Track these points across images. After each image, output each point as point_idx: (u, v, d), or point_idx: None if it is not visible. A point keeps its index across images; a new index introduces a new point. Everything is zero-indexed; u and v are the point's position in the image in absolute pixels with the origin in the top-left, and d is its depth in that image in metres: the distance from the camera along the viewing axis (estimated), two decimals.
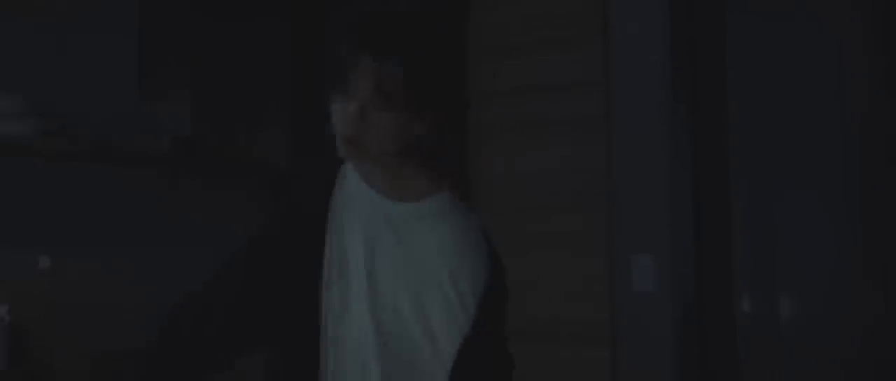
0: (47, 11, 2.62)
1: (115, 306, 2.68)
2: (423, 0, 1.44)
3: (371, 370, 1.37)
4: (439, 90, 1.38)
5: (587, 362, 2.84)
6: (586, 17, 2.91)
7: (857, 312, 2.72)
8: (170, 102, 2.93)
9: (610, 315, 2.83)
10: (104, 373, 2.65)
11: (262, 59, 3.22)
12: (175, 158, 2.82)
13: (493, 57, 3.06)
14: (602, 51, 2.88)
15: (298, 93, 3.40)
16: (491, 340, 1.44)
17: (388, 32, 1.35)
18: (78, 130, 2.46)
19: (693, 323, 2.80)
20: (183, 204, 2.93)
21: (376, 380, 1.36)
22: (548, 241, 2.93)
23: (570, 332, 2.87)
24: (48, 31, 2.61)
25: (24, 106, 2.39)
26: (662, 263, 2.78)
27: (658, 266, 2.78)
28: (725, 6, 2.87)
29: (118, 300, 2.69)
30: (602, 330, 2.84)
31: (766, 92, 2.86)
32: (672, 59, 2.82)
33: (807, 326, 2.81)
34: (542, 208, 2.95)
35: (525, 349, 2.85)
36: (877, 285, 2.68)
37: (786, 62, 2.86)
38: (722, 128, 2.84)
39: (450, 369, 1.37)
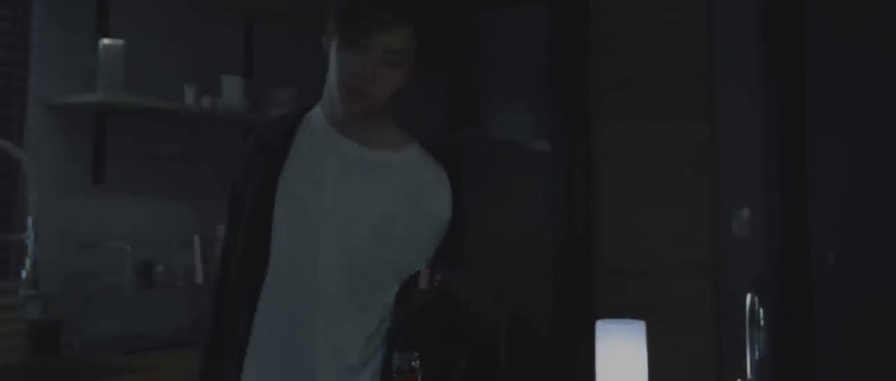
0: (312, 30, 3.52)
1: None
2: None
3: (327, 279, 1.49)
4: (437, 52, 1.54)
5: (695, 292, 3.56)
6: (692, 23, 3.63)
7: None
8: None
9: (714, 255, 3.60)
10: None
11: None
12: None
13: (615, 54, 3.80)
14: (705, 48, 3.59)
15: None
16: (459, 251, 1.60)
17: (405, 8, 1.47)
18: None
19: (779, 260, 3.61)
20: None
21: (333, 286, 1.48)
22: (665, 199, 3.65)
23: (682, 268, 3.59)
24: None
25: (295, 95, 3.28)
26: (757, 214, 3.54)
27: (753, 217, 3.58)
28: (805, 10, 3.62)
29: None
30: (707, 266, 3.57)
31: (838, 78, 3.62)
32: (765, 54, 3.51)
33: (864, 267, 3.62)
34: (660, 173, 3.67)
35: (647, 282, 3.70)
36: None
37: (858, 57, 3.61)
38: (802, 110, 3.60)
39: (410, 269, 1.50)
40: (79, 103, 2.67)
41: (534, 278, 4.01)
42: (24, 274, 2.20)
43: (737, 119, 3.59)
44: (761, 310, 1.30)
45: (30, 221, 2.22)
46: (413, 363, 1.27)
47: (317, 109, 1.59)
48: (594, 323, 1.49)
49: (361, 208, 1.49)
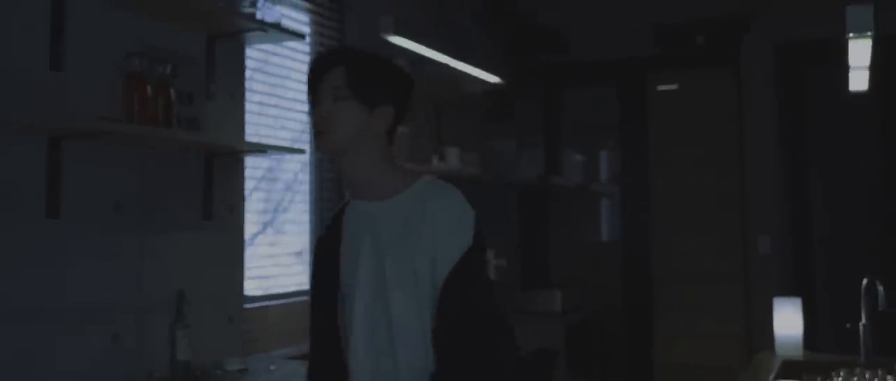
0: None
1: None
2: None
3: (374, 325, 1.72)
4: (374, 87, 1.72)
5: (730, 293, 4.98)
6: (727, 101, 5.12)
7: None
8: (531, 154, 5.28)
9: (744, 268, 5.00)
10: None
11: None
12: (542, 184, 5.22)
13: (669, 121, 5.28)
14: (737, 119, 5.04)
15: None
16: (472, 275, 1.69)
17: (335, 54, 1.82)
18: (492, 166, 4.70)
19: (792, 270, 5.06)
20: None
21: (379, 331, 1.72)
22: (706, 227, 5.10)
23: (721, 277, 5.02)
24: None
25: (475, 158, 4.60)
26: (775, 238, 4.96)
27: (772, 240, 4.98)
28: (806, 103, 5.12)
29: None
30: (739, 276, 5.00)
31: (831, 146, 5.06)
32: (778, 127, 4.97)
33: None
34: (703, 208, 5.11)
35: (694, 288, 5.17)
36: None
37: (844, 129, 5.11)
38: (805, 168, 5.10)
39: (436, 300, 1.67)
40: None
41: (606, 286, 5.39)
42: None
43: (759, 171, 5.10)
44: (881, 288, 2.64)
45: None
46: None
47: None
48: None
49: (395, 252, 1.69)
